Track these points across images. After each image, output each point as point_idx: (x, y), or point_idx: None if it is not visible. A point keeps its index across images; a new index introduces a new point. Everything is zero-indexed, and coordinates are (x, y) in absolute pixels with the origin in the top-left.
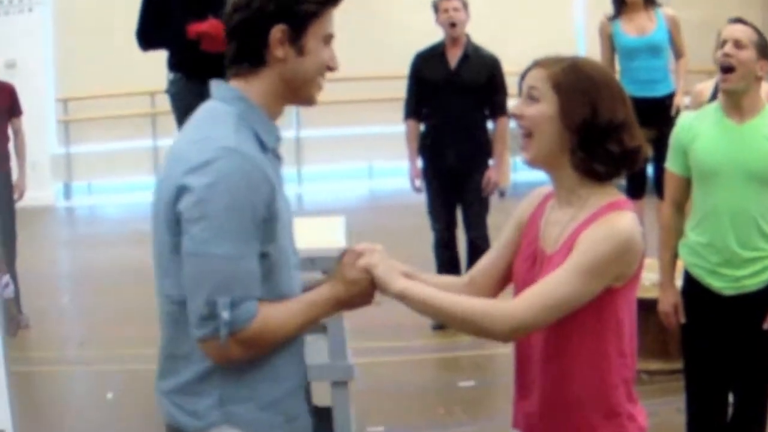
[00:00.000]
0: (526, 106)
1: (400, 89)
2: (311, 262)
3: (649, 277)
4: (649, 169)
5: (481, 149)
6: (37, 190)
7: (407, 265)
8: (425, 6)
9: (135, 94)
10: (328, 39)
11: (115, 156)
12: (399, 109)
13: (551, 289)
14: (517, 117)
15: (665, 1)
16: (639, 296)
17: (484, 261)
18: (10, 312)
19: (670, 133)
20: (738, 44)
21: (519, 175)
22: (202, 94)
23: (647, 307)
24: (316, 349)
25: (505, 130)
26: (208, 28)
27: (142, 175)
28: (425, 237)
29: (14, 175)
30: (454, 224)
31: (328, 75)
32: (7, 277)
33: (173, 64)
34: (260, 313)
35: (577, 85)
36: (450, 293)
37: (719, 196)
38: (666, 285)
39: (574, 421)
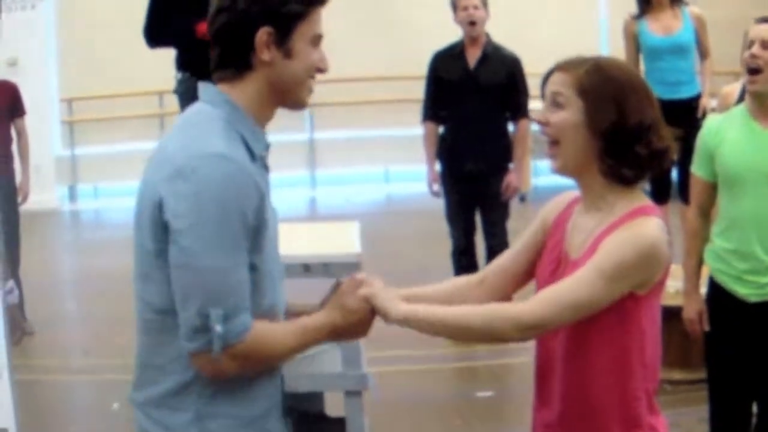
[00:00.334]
0: (551, 113)
1: (418, 90)
2: (324, 268)
3: (673, 284)
4: (674, 173)
5: (501, 152)
6: (41, 193)
7: (417, 282)
8: (443, 3)
9: (142, 94)
10: (316, 40)
11: (121, 158)
12: (417, 111)
13: (568, 288)
14: (543, 124)
15: (690, 1)
16: (663, 304)
17: (500, 260)
18: (14, 319)
19: (696, 136)
20: (766, 45)
21: (540, 180)
22: None
23: (670, 315)
24: (329, 358)
25: (525, 132)
26: None
27: None
28: (443, 243)
29: (17, 178)
30: (472, 230)
31: (345, 75)
32: (11, 283)
33: (181, 63)
34: (254, 328)
35: (602, 89)
36: (453, 307)
37: (745, 202)
38: (690, 292)
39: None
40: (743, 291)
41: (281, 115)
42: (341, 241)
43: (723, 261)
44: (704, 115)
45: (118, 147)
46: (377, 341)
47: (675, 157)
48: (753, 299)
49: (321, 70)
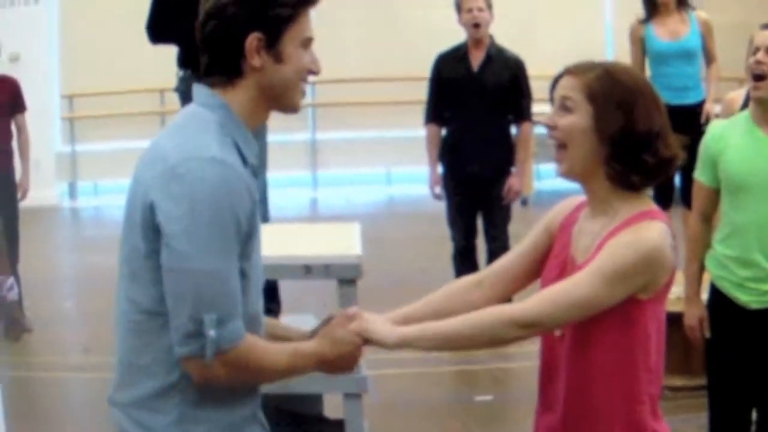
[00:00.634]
0: (560, 117)
1: (421, 91)
2: (325, 269)
3: (674, 289)
4: (677, 178)
5: (503, 155)
6: (41, 189)
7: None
8: (448, 4)
9: (143, 91)
10: (306, 43)
11: (122, 155)
12: (420, 112)
13: (565, 288)
14: (550, 128)
15: (697, 5)
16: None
17: (501, 262)
18: (13, 316)
19: (700, 141)
20: None
21: (542, 183)
22: None
23: (671, 321)
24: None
25: (528, 135)
26: None
27: None
28: (444, 246)
29: (17, 174)
30: (474, 233)
31: (347, 76)
32: (11, 280)
33: (183, 61)
34: (248, 340)
35: (612, 95)
36: (449, 319)
37: (748, 209)
38: (692, 298)
39: None
40: (744, 298)
41: (283, 115)
42: (342, 242)
43: (724, 267)
44: (708, 120)
45: (118, 144)
46: None
47: (681, 162)
48: (754, 306)
49: (313, 72)
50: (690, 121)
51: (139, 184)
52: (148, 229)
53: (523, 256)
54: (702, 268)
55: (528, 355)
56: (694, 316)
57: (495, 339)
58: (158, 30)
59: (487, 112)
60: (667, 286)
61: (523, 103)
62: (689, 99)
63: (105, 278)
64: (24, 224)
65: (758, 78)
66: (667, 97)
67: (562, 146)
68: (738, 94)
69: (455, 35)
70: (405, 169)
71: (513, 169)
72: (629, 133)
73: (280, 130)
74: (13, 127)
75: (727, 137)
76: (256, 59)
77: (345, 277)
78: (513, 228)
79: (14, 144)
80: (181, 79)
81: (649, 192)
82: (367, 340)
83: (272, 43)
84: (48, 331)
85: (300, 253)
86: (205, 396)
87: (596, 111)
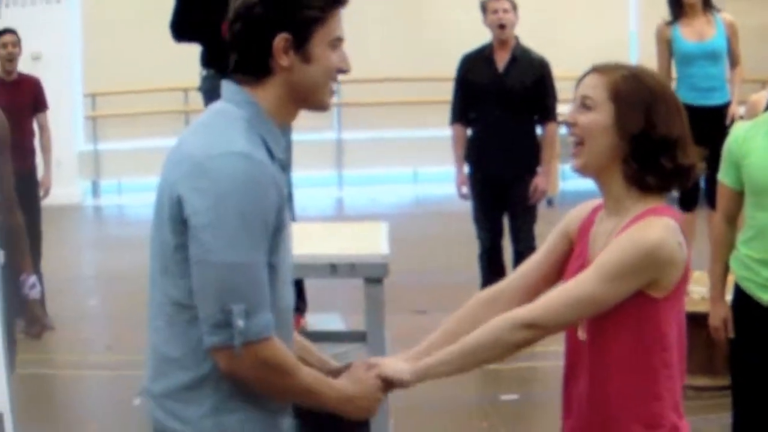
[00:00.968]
0: (580, 114)
1: (446, 91)
2: (351, 268)
3: (698, 290)
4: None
5: (529, 156)
6: (64, 187)
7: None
8: (474, 4)
9: (167, 90)
10: (335, 43)
11: (145, 154)
12: (445, 112)
13: (568, 287)
14: (570, 125)
15: (720, 7)
16: (688, 310)
17: (520, 272)
18: (35, 313)
19: (724, 143)
20: None
21: (568, 184)
22: None
23: (695, 321)
24: (354, 359)
25: (553, 136)
26: None
27: None
28: (471, 246)
29: (39, 172)
30: (500, 233)
31: (373, 76)
32: (33, 278)
33: (206, 60)
34: (276, 339)
35: (634, 96)
36: (459, 342)
37: None
38: (716, 299)
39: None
40: None
41: (309, 115)
42: (369, 241)
43: (748, 268)
44: (732, 122)
45: (142, 142)
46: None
47: (701, 173)
48: None
49: (342, 71)
50: (715, 122)
51: (166, 180)
52: (176, 223)
53: (542, 264)
54: (726, 269)
55: (554, 354)
56: (719, 317)
57: (502, 343)
58: (182, 28)
59: (513, 112)
60: (682, 283)
61: (548, 103)
62: (714, 100)
63: (128, 276)
64: (47, 222)
65: None
66: (693, 98)
67: (580, 143)
68: (762, 96)
69: (481, 35)
70: (431, 169)
71: (538, 170)
72: (648, 135)
73: (305, 130)
74: (35, 126)
75: (750, 139)
76: (283, 59)
77: (371, 276)
78: (538, 228)
79: (36, 143)
80: (205, 78)
81: (674, 194)
82: (389, 384)
83: (300, 44)
84: (70, 329)
85: (326, 252)
86: (238, 387)
87: (618, 110)
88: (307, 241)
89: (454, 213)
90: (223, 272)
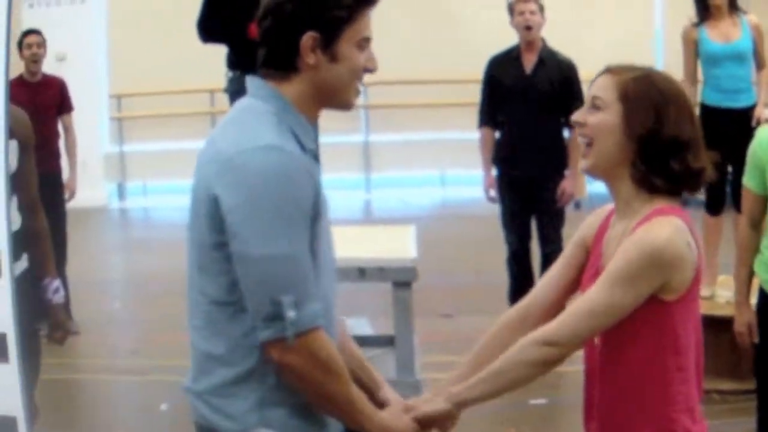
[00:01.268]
0: (589, 114)
1: (474, 93)
2: (380, 272)
3: (723, 294)
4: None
5: (556, 158)
6: (89, 189)
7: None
8: (501, 4)
9: (193, 91)
10: (363, 43)
11: (171, 156)
12: (473, 114)
13: (583, 299)
14: (579, 125)
15: (746, 9)
16: (712, 313)
17: (543, 288)
18: (58, 318)
19: (749, 145)
20: None
21: (595, 186)
22: None
23: (720, 325)
24: (382, 363)
25: None
26: None
27: None
28: (499, 249)
29: (65, 175)
30: (528, 236)
31: (401, 78)
32: (57, 282)
33: (233, 62)
34: (324, 332)
35: (644, 96)
36: (488, 367)
37: None
38: (741, 303)
39: None
40: None
41: (336, 117)
42: (397, 245)
43: None
44: (758, 124)
45: (168, 144)
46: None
47: (712, 178)
48: None
49: (369, 70)
50: (741, 124)
51: (200, 180)
52: (214, 221)
53: (562, 277)
54: (751, 274)
55: (580, 359)
56: (744, 321)
57: (526, 363)
58: (209, 28)
59: (540, 114)
60: (694, 284)
61: (576, 106)
62: (741, 102)
63: (154, 280)
64: (72, 225)
65: None
66: (719, 100)
67: (589, 144)
68: None
69: (509, 36)
70: (459, 172)
71: (566, 172)
72: (657, 137)
73: (333, 132)
74: (60, 128)
75: None
76: (310, 57)
77: (400, 280)
78: (566, 231)
79: (61, 144)
80: (231, 80)
81: (701, 198)
82: (427, 424)
83: (328, 43)
84: (96, 333)
85: (354, 256)
86: (282, 381)
87: (626, 110)
88: (335, 244)
89: (482, 216)
90: (266, 265)
